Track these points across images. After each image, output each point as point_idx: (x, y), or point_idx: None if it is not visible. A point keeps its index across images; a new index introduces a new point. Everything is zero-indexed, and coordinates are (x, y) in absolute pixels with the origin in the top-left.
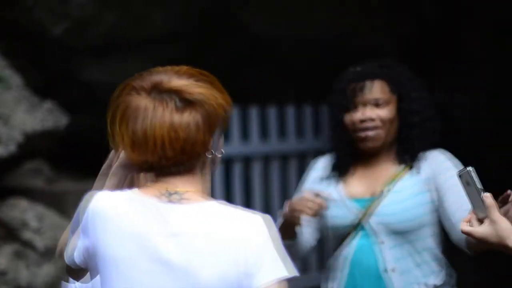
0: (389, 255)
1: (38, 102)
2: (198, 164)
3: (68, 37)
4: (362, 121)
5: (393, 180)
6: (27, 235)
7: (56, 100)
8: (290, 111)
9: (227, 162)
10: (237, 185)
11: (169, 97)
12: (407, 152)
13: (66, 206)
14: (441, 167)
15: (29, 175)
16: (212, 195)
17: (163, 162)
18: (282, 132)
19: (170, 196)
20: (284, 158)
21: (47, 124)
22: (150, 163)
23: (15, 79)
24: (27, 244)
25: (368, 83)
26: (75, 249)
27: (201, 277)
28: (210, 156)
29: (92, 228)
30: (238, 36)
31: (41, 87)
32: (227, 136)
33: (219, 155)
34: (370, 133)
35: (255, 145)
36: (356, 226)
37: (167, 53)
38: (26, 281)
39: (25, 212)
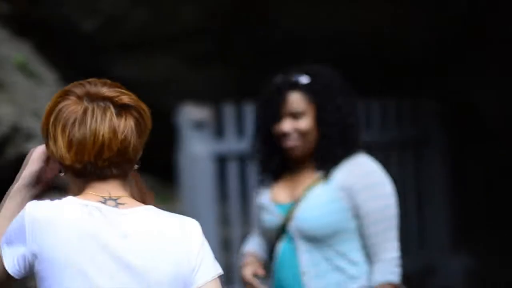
0: (305, 259)
1: None
2: (129, 171)
3: (99, 33)
4: (282, 132)
5: (309, 187)
6: None
7: None
8: None
9: (242, 157)
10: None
11: (105, 104)
12: (324, 161)
13: None
14: (360, 181)
15: None
16: None
17: (98, 163)
18: None
19: (106, 202)
20: None
21: None
22: (84, 164)
23: (48, 75)
24: None
25: (286, 95)
26: (15, 258)
27: (152, 275)
28: (137, 165)
29: (35, 236)
30: (267, 32)
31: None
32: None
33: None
34: (289, 144)
35: None
36: (282, 231)
37: (196, 49)
38: None
39: None
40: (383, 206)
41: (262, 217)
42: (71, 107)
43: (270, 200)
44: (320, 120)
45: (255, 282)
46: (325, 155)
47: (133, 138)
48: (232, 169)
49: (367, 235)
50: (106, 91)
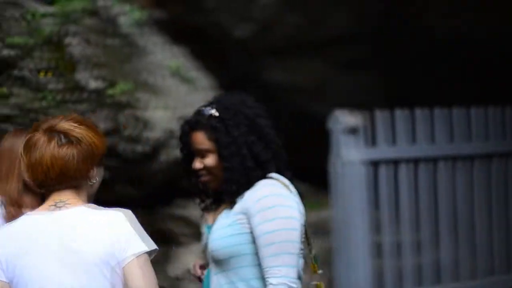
0: (212, 282)
1: None
2: (82, 185)
3: (252, 39)
4: (194, 169)
5: (220, 212)
6: None
7: None
8: (473, 113)
9: (395, 163)
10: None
11: (57, 135)
12: (227, 192)
13: None
14: (254, 206)
15: None
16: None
17: (48, 181)
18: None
19: (56, 205)
20: (453, 159)
21: None
22: (40, 181)
23: (202, 81)
24: None
25: (191, 134)
26: None
27: (88, 257)
28: (92, 182)
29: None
30: (419, 37)
31: (226, 88)
32: (394, 138)
33: (94, 182)
34: (202, 180)
35: (422, 148)
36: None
37: (346, 54)
38: None
39: None
40: (271, 230)
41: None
42: (34, 138)
43: (206, 221)
44: (220, 155)
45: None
46: (227, 187)
47: (73, 163)
48: (384, 175)
49: (260, 260)
50: (62, 125)
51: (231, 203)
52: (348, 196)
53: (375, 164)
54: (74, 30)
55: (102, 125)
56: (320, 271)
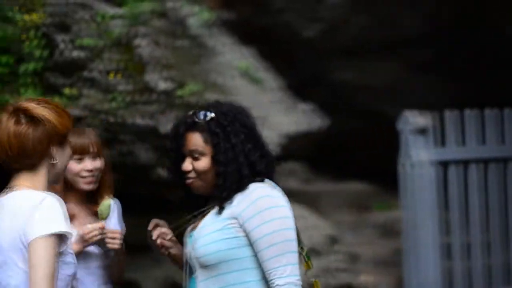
0: None
1: (293, 104)
2: (42, 165)
3: (320, 39)
4: (183, 170)
5: (208, 216)
6: None
7: (310, 101)
8: None
9: (465, 164)
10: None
11: (18, 115)
12: (219, 198)
13: (323, 206)
14: (247, 209)
15: (285, 176)
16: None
17: (9, 159)
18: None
19: (7, 190)
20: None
21: (302, 125)
22: (3, 160)
23: (270, 82)
24: None
25: (186, 135)
26: None
27: (2, 239)
28: (53, 162)
29: None
30: (489, 39)
31: (295, 89)
32: (464, 139)
33: (56, 163)
34: (188, 182)
35: (492, 148)
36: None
37: (416, 54)
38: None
39: None
40: (271, 232)
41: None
42: (0, 117)
43: (190, 230)
44: (216, 160)
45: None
46: (219, 193)
47: (29, 142)
48: (454, 176)
49: (261, 263)
50: (25, 105)
51: (219, 209)
52: (418, 197)
53: (444, 165)
54: (143, 32)
55: (171, 126)
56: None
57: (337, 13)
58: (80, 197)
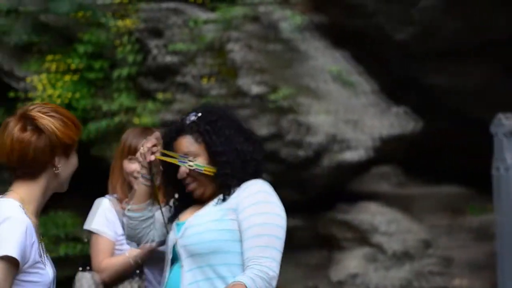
0: (185, 278)
1: (387, 107)
2: (43, 174)
3: (413, 42)
4: (179, 178)
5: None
6: (377, 238)
7: (403, 104)
8: None
9: None
10: None
11: (25, 121)
12: (222, 188)
13: (416, 210)
14: (245, 200)
15: (378, 179)
16: None
17: (10, 164)
18: None
19: (2, 195)
20: None
21: (395, 129)
22: (5, 164)
23: (363, 85)
24: (378, 247)
25: (176, 141)
26: None
27: None
28: (56, 171)
29: None
30: None
31: (387, 92)
32: None
33: (59, 172)
34: (188, 188)
35: None
36: (174, 250)
37: (510, 56)
38: (376, 284)
39: (375, 216)
40: (262, 223)
41: (169, 235)
42: (8, 121)
43: (177, 220)
44: (213, 154)
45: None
46: (223, 184)
47: (31, 150)
48: None
49: (244, 251)
50: (33, 112)
51: (224, 198)
52: None
53: None
54: (236, 36)
55: (265, 130)
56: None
57: (429, 16)
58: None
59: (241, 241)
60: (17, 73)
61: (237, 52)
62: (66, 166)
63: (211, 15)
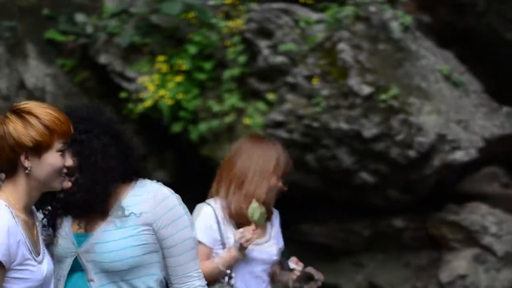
0: None
1: (497, 108)
2: (16, 174)
3: None
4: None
5: (105, 220)
6: (486, 239)
7: (510, 105)
8: None
9: None
10: None
11: (6, 114)
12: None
13: None
14: (163, 218)
15: (486, 180)
16: None
17: None
18: None
19: None
20: None
21: (505, 129)
22: None
23: (472, 85)
24: (487, 249)
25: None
26: None
27: None
28: (26, 172)
29: None
30: None
31: (497, 92)
32: None
33: (29, 173)
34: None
35: None
36: (75, 262)
37: None
38: (485, 285)
39: (485, 216)
40: (189, 237)
41: (58, 243)
42: None
43: (70, 228)
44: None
45: None
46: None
47: (6, 143)
48: None
49: (173, 268)
50: (8, 113)
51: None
52: None
53: None
54: (346, 36)
55: (375, 130)
56: None
57: None
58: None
59: (159, 253)
60: (128, 74)
61: (347, 52)
62: (40, 166)
63: (321, 15)
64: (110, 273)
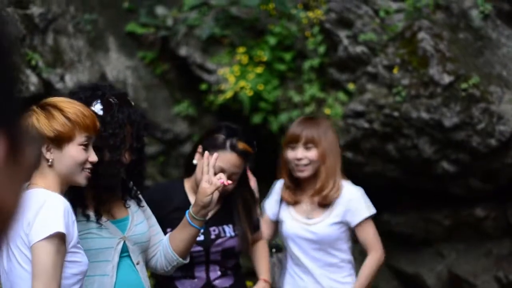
0: (142, 273)
1: None
2: (40, 166)
3: None
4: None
5: (128, 204)
6: None
7: None
8: None
9: None
10: None
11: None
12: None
13: None
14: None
15: None
16: None
17: None
18: None
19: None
20: None
21: None
22: None
23: None
24: None
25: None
26: None
27: (12, 237)
28: (48, 164)
29: None
30: None
31: None
32: None
33: (51, 164)
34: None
35: None
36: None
37: None
38: None
39: None
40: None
41: (95, 234)
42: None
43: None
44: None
45: None
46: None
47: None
48: None
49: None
50: (35, 107)
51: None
52: None
53: None
54: (426, 25)
55: (455, 119)
56: None
57: None
58: (304, 184)
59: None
60: (208, 66)
61: (427, 41)
62: (61, 159)
63: (401, 5)
64: (144, 252)
